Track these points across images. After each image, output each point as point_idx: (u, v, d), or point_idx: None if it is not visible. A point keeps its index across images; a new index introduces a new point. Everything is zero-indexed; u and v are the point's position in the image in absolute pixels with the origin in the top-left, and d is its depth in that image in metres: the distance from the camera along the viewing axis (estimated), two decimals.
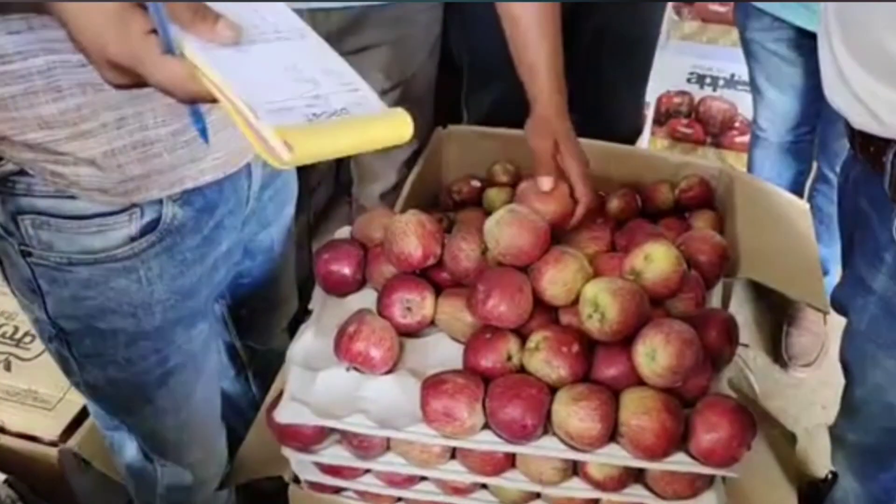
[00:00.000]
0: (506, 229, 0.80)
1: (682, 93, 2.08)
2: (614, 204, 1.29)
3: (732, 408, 0.74)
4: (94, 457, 1.15)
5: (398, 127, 0.55)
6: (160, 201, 0.75)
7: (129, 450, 1.00)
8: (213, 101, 0.53)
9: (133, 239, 0.75)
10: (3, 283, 0.81)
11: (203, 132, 0.59)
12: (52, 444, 1.15)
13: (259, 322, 1.07)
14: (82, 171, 0.69)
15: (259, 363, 1.15)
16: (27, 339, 1.30)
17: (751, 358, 1.69)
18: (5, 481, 1.10)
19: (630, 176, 1.32)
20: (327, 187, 2.11)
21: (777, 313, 1.74)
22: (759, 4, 1.42)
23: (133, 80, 0.54)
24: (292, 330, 0.89)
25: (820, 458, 1.46)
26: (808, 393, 1.63)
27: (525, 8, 0.93)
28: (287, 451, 0.83)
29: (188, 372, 0.90)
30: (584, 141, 1.32)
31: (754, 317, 1.77)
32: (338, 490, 0.88)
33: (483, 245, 0.83)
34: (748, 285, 1.75)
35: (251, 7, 0.58)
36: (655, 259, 0.78)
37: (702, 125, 2.11)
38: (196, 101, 0.55)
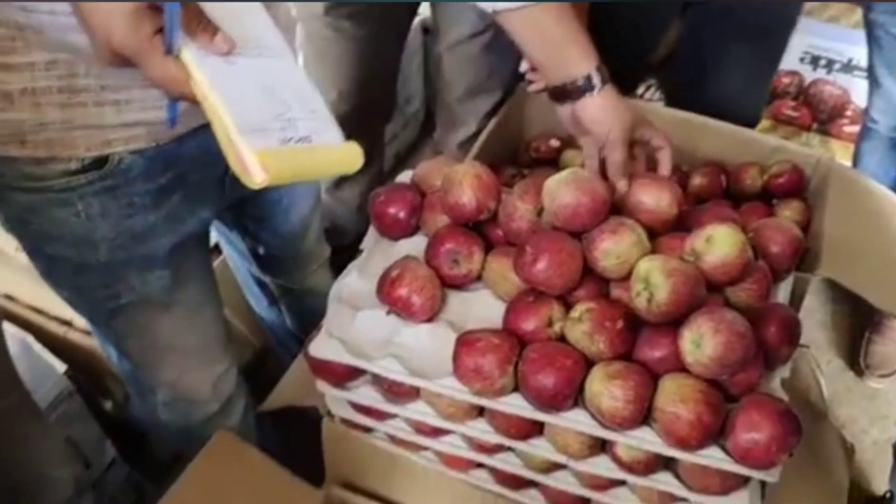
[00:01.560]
0: (564, 189, 0.77)
1: (793, 73, 1.95)
2: (696, 181, 1.23)
3: (778, 410, 0.69)
4: None
5: (351, 161, 0.62)
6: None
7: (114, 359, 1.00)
8: (196, 103, 0.58)
9: (70, 173, 0.72)
10: None
11: (172, 120, 0.63)
12: None
13: (284, 266, 1.07)
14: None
15: (293, 299, 1.15)
16: None
17: (825, 361, 1.61)
18: (66, 372, 1.16)
19: (718, 154, 1.25)
20: (413, 130, 2.10)
21: (860, 318, 1.64)
22: None
23: (125, 66, 0.57)
24: (339, 268, 0.89)
25: (883, 475, 1.39)
26: (883, 405, 1.54)
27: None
28: (321, 386, 0.84)
29: (145, 310, 0.87)
30: (673, 111, 1.27)
31: (834, 318, 1.67)
32: (368, 429, 0.89)
33: (540, 206, 0.80)
34: (833, 284, 1.66)
35: (240, 19, 0.62)
36: (718, 242, 0.73)
37: (809, 109, 1.98)
38: (182, 100, 0.59)
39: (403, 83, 1.84)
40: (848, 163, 1.62)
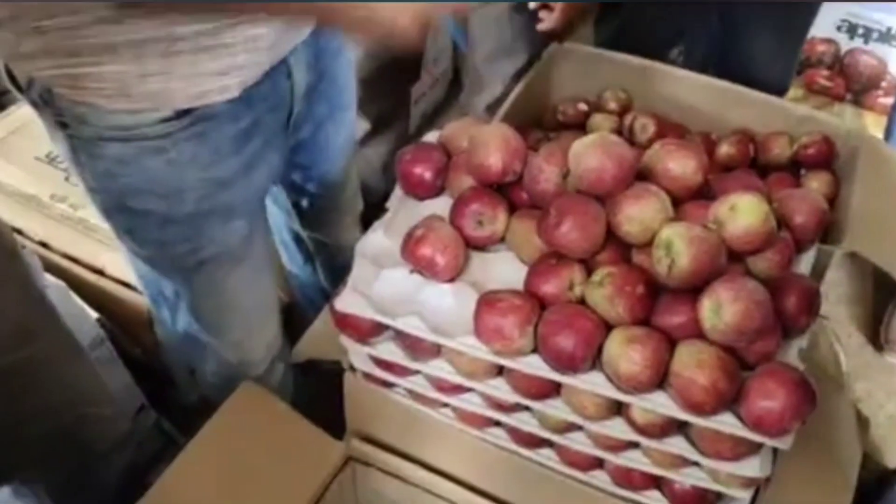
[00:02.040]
0: (590, 153, 0.77)
1: (828, 41, 1.91)
2: (724, 150, 1.22)
3: (793, 379, 0.70)
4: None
5: None
6: None
7: (171, 322, 1.04)
8: None
9: (165, 119, 0.75)
10: None
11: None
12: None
13: (323, 218, 1.10)
14: (104, 69, 0.69)
15: (328, 254, 1.18)
16: None
17: (845, 335, 1.60)
18: (97, 320, 1.20)
19: (747, 122, 1.24)
20: (440, 90, 2.09)
21: (884, 293, 1.62)
22: None
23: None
24: (366, 226, 0.90)
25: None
26: None
27: None
28: (345, 340, 0.86)
29: (224, 264, 0.91)
30: (703, 78, 1.26)
31: (856, 293, 1.66)
32: (389, 385, 0.91)
33: (566, 169, 0.80)
34: (859, 258, 1.64)
35: None
36: (741, 211, 0.73)
37: (844, 79, 1.94)
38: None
39: (432, 42, 1.83)
40: (880, 135, 1.59)
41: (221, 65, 0.74)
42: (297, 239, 1.18)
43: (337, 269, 1.20)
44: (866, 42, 1.88)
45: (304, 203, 1.10)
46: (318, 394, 1.10)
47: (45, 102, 0.74)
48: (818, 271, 0.93)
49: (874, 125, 1.87)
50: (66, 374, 0.95)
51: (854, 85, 1.94)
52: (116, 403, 1.01)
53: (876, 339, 1.59)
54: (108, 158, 0.77)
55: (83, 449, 0.97)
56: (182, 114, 0.75)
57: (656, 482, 0.83)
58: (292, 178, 1.06)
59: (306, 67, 0.87)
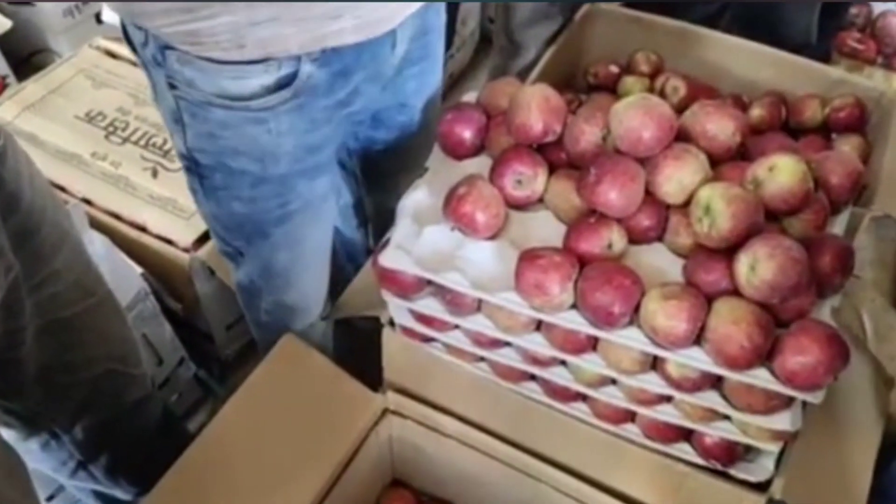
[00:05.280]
0: (631, 113, 0.79)
1: (861, 4, 1.89)
2: (756, 112, 1.23)
3: (827, 335, 0.72)
4: (219, 268, 1.27)
5: None
6: (298, 59, 0.77)
7: (240, 272, 1.08)
8: None
9: (268, 91, 0.78)
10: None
11: None
12: (185, 250, 1.27)
13: (389, 183, 1.12)
14: (217, 21, 0.71)
15: (383, 218, 1.20)
16: (174, 151, 1.40)
17: (868, 299, 1.61)
18: (141, 274, 1.23)
19: (779, 85, 1.24)
20: (468, 51, 2.09)
21: None
22: None
23: None
24: None
25: None
26: None
27: None
28: (386, 295, 0.89)
29: (306, 217, 0.97)
30: (734, 40, 1.26)
31: (881, 256, 1.67)
32: (427, 340, 0.93)
33: (606, 130, 0.82)
34: (886, 222, 1.64)
35: None
36: (780, 171, 0.75)
37: (876, 42, 1.92)
38: None
39: (460, 3, 1.83)
40: None
41: (332, 7, 0.75)
42: (358, 203, 1.20)
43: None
44: None
45: (374, 163, 1.11)
46: (355, 349, 1.13)
47: (158, 63, 0.78)
48: (849, 234, 0.94)
49: None
50: (107, 331, 0.99)
51: (885, 48, 1.92)
52: (143, 364, 1.05)
53: None
54: (212, 122, 0.81)
55: (111, 403, 1.01)
56: (283, 82, 0.78)
57: (686, 435, 0.86)
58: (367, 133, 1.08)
59: (409, 41, 0.90)
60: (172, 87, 0.80)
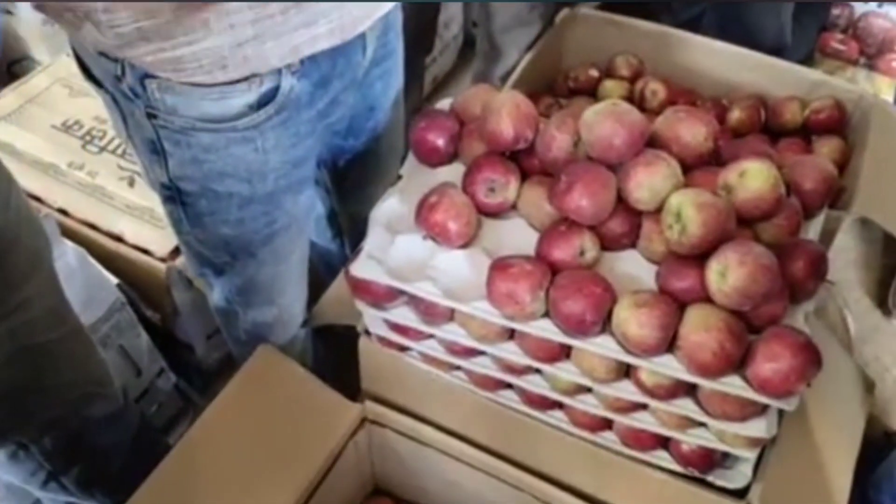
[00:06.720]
0: (601, 120, 0.78)
1: (844, 4, 1.89)
2: (735, 115, 1.23)
3: (799, 342, 0.72)
4: (196, 278, 1.25)
5: None
6: (279, 73, 0.77)
7: (216, 293, 1.07)
8: None
9: (252, 108, 0.78)
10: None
11: None
12: (162, 259, 1.26)
13: (361, 193, 1.11)
14: (198, 47, 0.71)
15: (357, 229, 1.19)
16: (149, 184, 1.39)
17: (853, 299, 1.61)
18: (118, 285, 1.22)
19: (759, 87, 1.24)
20: (451, 55, 2.09)
21: (892, 258, 1.63)
22: None
23: None
24: None
25: None
26: None
27: None
28: (360, 305, 0.88)
29: (291, 232, 0.97)
30: (715, 43, 1.25)
31: (866, 258, 1.67)
32: (403, 348, 0.93)
33: (577, 136, 0.81)
34: (868, 224, 1.65)
35: None
36: (751, 177, 0.74)
37: (858, 43, 1.92)
38: None
39: (443, 7, 1.83)
40: (892, 99, 1.58)
41: (309, 14, 0.75)
42: (331, 215, 1.20)
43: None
44: (880, 5, 1.86)
45: (346, 182, 1.11)
46: (332, 358, 1.12)
47: (136, 95, 0.77)
48: (827, 236, 0.94)
49: (887, 89, 1.86)
50: (83, 357, 0.99)
51: (867, 49, 1.93)
52: (114, 383, 1.05)
53: (883, 304, 1.60)
54: (196, 147, 0.81)
55: (79, 419, 1.00)
56: (265, 99, 0.78)
57: (663, 442, 0.85)
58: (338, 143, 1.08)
59: (375, 41, 0.89)
60: (152, 116, 0.79)
